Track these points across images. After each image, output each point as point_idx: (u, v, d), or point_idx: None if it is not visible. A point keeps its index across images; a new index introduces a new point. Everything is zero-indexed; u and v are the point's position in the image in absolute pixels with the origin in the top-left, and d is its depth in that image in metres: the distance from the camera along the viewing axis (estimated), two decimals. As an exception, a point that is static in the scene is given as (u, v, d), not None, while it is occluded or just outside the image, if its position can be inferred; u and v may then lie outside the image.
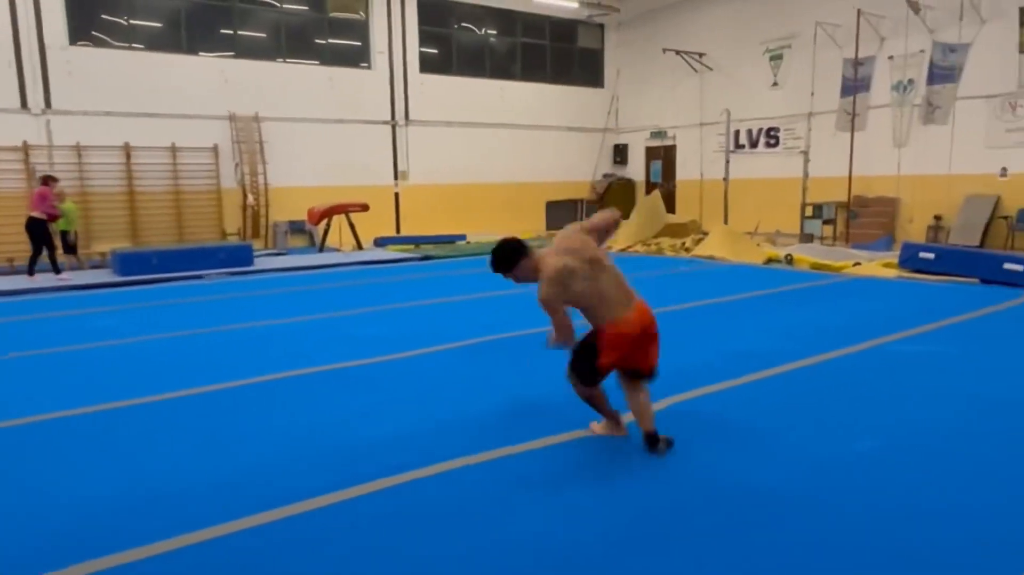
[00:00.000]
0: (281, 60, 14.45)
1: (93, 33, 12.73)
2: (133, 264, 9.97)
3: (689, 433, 3.65)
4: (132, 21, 13.09)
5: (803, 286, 8.70)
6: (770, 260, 10.99)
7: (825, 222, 13.51)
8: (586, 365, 3.35)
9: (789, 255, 10.84)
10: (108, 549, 2.60)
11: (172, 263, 10.15)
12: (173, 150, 13.19)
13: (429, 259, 12.31)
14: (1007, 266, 8.40)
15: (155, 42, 13.33)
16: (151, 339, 6.15)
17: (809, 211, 13.59)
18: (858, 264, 9.98)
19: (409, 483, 3.13)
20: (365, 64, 15.40)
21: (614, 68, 18.81)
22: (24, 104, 12.03)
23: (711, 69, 16.75)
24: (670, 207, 17.25)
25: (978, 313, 6.72)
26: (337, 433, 3.77)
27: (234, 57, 14.05)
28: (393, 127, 15.67)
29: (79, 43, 12.49)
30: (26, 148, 11.95)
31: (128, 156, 12.82)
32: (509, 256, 3.29)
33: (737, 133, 16.22)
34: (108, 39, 12.89)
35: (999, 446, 3.51)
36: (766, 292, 8.24)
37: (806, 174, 13.51)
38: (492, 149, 16.77)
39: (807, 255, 10.77)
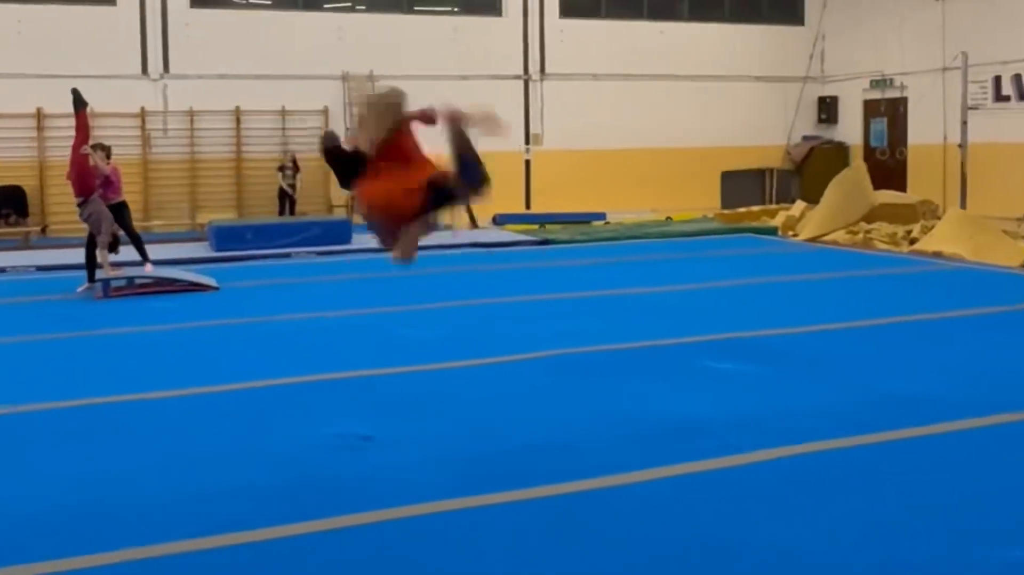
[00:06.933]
0: (400, 12, 15.33)
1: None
2: (228, 238, 11.32)
3: (757, 504, 3.49)
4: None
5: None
6: None
7: None
8: None
9: None
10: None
11: (267, 238, 11.40)
12: (283, 114, 14.62)
13: (548, 243, 12.56)
14: None
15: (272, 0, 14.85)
16: (175, 329, 6.99)
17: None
18: None
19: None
20: (495, 11, 15.86)
21: (818, -1, 17.59)
22: (145, 70, 13.99)
23: (956, -7, 15.14)
24: (899, 181, 15.89)
25: None
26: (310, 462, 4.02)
27: (351, 11, 15.17)
28: (526, 82, 15.99)
29: (199, 6, 14.23)
30: (143, 114, 13.91)
31: (238, 120, 14.43)
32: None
33: (998, 81, 14.54)
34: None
35: None
36: (994, 311, 7.27)
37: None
38: (649, 107, 16.47)
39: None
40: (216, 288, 8.64)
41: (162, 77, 14.07)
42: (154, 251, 10.48)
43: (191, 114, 14.16)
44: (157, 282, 8.57)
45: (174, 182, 14.15)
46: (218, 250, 11.16)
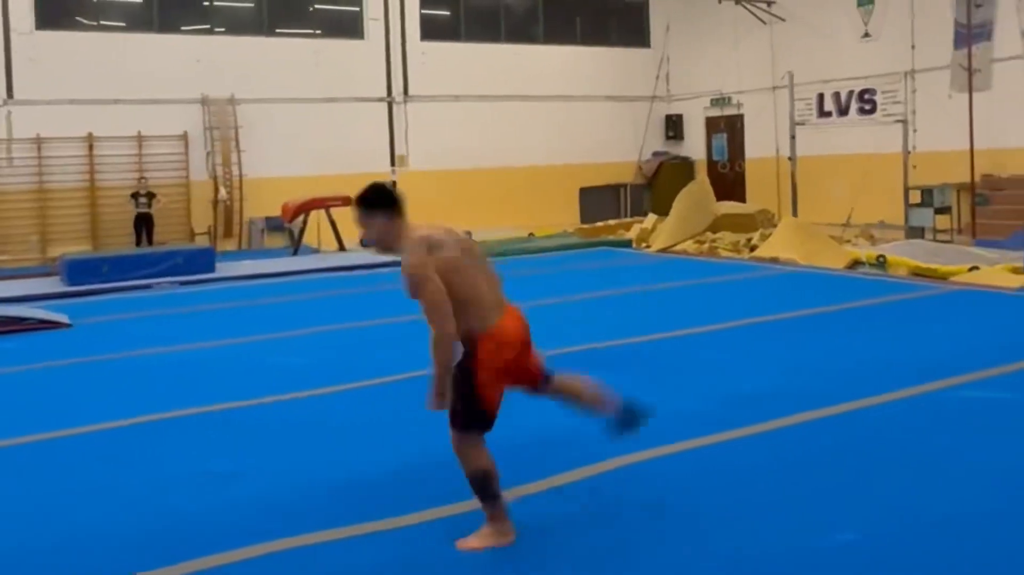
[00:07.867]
0: (261, 35, 15.04)
1: (61, 16, 13.65)
2: (82, 272, 10.66)
3: (625, 507, 3.66)
4: (100, -1, 13.98)
5: (885, 301, 8.10)
6: (855, 263, 10.41)
7: (939, 211, 12.69)
8: (464, 393, 3.26)
9: (882, 257, 10.21)
10: None
11: (125, 270, 10.82)
12: (139, 139, 13.96)
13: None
14: None
15: (126, 22, 14.21)
16: (23, 370, 6.55)
17: (916, 196, 12.83)
18: (975, 269, 9.24)
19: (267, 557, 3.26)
20: (357, 34, 15.79)
21: (662, 23, 18.46)
22: (-15, 95, 13.09)
23: (783, 20, 16.23)
24: (739, 192, 16.82)
25: None
26: (178, 497, 3.93)
27: (210, 33, 14.73)
28: (390, 105, 16.00)
29: (45, 28, 13.43)
30: (-16, 143, 12.99)
31: (91, 147, 13.66)
32: (377, 195, 3.29)
33: (821, 98, 15.64)
34: (77, 20, 13.90)
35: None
36: (825, 310, 7.73)
37: (907, 148, 12.76)
38: (510, 127, 16.84)
39: (907, 256, 10.05)
40: (68, 325, 8.18)
41: (5, 103, 13.19)
42: None
43: (39, 141, 13.35)
44: (2, 322, 7.99)
45: (21, 214, 13.30)
46: (72, 284, 10.53)
